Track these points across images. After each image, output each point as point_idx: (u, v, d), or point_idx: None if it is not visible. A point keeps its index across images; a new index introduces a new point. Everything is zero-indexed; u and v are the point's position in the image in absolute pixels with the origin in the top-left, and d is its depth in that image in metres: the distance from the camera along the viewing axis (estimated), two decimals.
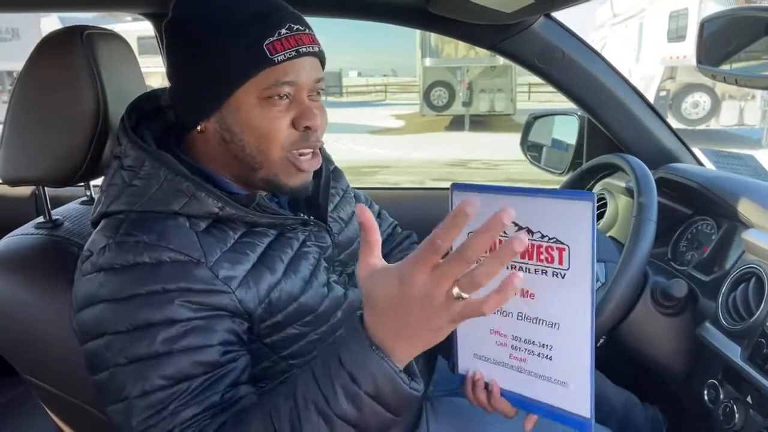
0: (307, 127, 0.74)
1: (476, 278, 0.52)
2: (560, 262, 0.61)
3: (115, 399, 0.66)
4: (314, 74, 0.74)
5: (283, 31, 0.71)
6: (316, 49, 0.75)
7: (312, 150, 0.76)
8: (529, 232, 0.62)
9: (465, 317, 0.54)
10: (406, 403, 0.60)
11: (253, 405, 0.66)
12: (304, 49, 0.72)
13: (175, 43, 0.75)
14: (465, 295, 0.53)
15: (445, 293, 0.53)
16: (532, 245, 0.62)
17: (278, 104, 0.72)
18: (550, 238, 0.61)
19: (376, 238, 0.57)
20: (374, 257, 0.57)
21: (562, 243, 0.60)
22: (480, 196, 0.64)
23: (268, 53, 0.70)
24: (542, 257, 0.62)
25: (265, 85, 0.71)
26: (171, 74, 0.76)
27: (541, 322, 0.64)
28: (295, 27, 0.72)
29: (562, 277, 0.61)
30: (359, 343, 0.57)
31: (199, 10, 0.73)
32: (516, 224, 0.63)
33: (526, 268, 0.63)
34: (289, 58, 0.71)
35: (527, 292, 0.64)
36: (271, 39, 0.70)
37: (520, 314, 0.65)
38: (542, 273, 0.62)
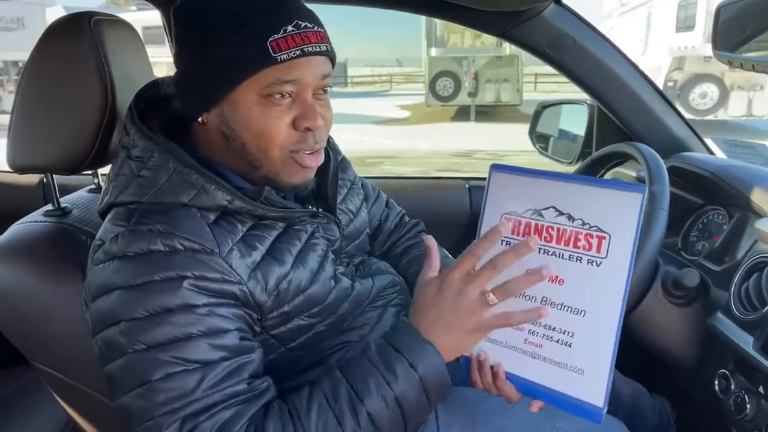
0: (308, 128, 0.72)
1: (507, 286, 0.63)
2: (598, 251, 0.61)
3: (133, 385, 0.65)
4: (319, 72, 0.72)
5: (290, 28, 0.68)
6: (323, 49, 0.72)
7: (313, 150, 0.74)
8: (570, 218, 0.62)
9: (494, 325, 0.66)
10: (442, 395, 0.69)
11: (297, 391, 0.69)
12: (310, 49, 0.69)
13: (181, 30, 0.73)
14: (495, 300, 0.64)
15: (477, 295, 0.64)
16: (571, 231, 0.62)
17: (279, 103, 0.70)
18: (591, 226, 0.61)
19: (436, 259, 0.70)
20: (432, 271, 0.69)
21: (604, 232, 0.61)
22: (519, 178, 0.65)
23: (271, 51, 0.67)
24: (579, 244, 0.62)
25: (266, 83, 0.68)
26: (176, 62, 0.75)
27: (566, 308, 0.63)
28: (303, 24, 0.69)
29: (598, 266, 0.61)
30: (413, 335, 0.67)
31: None
32: (557, 209, 0.63)
33: (560, 253, 0.63)
34: (292, 58, 0.68)
35: (556, 277, 0.63)
36: (276, 36, 0.67)
37: (544, 299, 0.65)
38: (576, 260, 0.62)
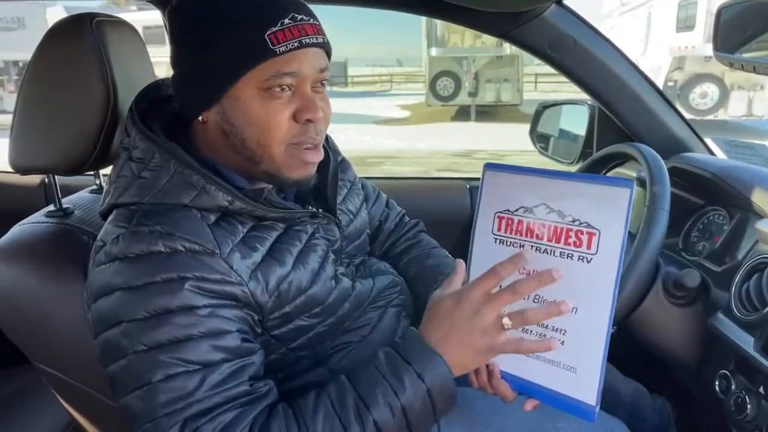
0: (309, 120, 0.72)
1: (525, 315, 0.63)
2: (588, 247, 0.61)
3: (134, 386, 0.65)
4: (318, 65, 0.72)
5: (286, 20, 0.69)
6: (320, 40, 0.73)
7: (313, 143, 0.75)
8: (560, 215, 0.62)
9: (505, 350, 0.65)
10: (448, 406, 0.68)
11: (302, 396, 0.68)
12: (307, 40, 0.70)
13: (178, 30, 0.74)
14: (510, 325, 0.63)
15: (494, 317, 0.64)
16: (561, 228, 0.62)
17: (279, 96, 0.71)
18: (581, 222, 0.61)
19: (459, 282, 0.70)
20: (452, 286, 0.70)
21: (594, 228, 0.60)
22: (512, 177, 0.65)
23: (269, 44, 0.68)
24: (570, 241, 0.62)
25: (266, 76, 0.69)
26: (174, 62, 0.75)
27: None
28: (299, 17, 0.70)
29: (588, 262, 0.61)
30: (423, 345, 0.67)
31: None
32: (547, 206, 0.63)
33: (551, 250, 0.63)
34: (291, 49, 0.69)
35: None
36: (273, 29, 0.68)
37: (536, 297, 0.65)
38: (567, 257, 0.62)
